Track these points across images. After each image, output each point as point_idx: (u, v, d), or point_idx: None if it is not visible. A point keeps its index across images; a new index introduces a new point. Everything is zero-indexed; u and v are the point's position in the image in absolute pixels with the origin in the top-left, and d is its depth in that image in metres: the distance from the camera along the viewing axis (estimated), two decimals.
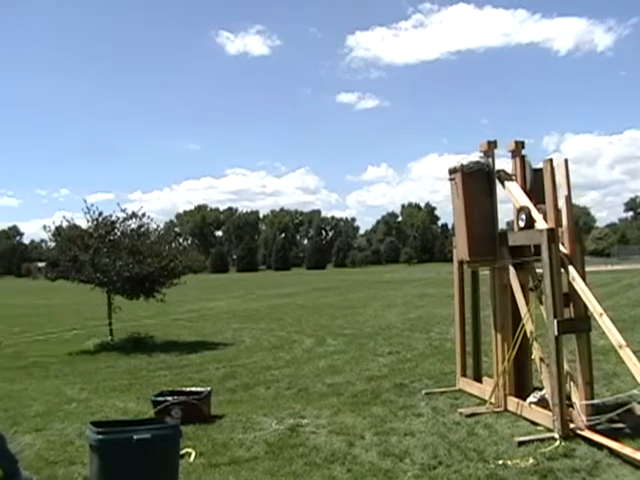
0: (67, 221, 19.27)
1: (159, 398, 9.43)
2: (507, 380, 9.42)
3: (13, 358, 16.67)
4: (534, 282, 9.10)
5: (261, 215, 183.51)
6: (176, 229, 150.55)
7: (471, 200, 9.52)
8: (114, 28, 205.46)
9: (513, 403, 9.21)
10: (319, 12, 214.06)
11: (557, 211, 8.44)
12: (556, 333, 7.99)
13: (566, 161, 8.55)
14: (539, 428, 8.36)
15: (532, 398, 8.78)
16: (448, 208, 10.51)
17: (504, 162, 9.96)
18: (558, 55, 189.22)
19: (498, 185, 9.68)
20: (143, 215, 18.72)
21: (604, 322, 7.76)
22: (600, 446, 7.44)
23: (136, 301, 18.83)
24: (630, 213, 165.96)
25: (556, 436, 7.83)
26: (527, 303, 9.02)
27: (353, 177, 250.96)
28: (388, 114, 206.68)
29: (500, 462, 7.16)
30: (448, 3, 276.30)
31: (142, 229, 18.63)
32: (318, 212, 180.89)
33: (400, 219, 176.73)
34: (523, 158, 9.69)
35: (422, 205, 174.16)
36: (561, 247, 8.45)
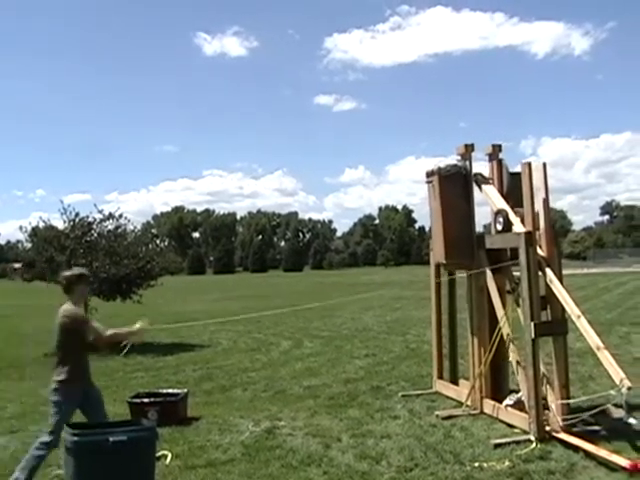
0: (43, 222, 19.19)
1: (135, 400, 9.40)
2: (483, 383, 9.46)
3: None
4: (511, 285, 9.14)
5: (238, 217, 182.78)
6: (153, 230, 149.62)
7: (448, 203, 9.55)
8: (89, 30, 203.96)
9: (489, 405, 9.24)
10: (297, 14, 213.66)
11: (534, 214, 8.48)
12: (533, 336, 8.03)
13: (544, 165, 8.61)
14: (515, 430, 8.40)
15: (508, 400, 8.81)
16: (425, 211, 10.56)
17: (481, 165, 10.01)
18: (535, 59, 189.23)
19: (475, 188, 9.72)
20: (120, 216, 18.68)
21: (582, 324, 7.81)
22: (576, 448, 7.49)
23: (112, 302, 18.74)
24: (606, 217, 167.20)
25: (532, 438, 7.87)
26: (504, 306, 9.05)
27: (330, 179, 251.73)
28: (365, 116, 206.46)
29: (476, 464, 7.20)
30: (426, 6, 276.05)
31: (119, 230, 18.57)
32: (295, 214, 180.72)
33: (377, 221, 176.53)
34: (500, 162, 9.74)
35: (399, 208, 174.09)
36: (538, 250, 8.49)
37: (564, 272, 8.95)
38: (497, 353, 9.18)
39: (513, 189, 9.27)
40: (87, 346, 7.04)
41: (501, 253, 9.35)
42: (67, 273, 7.40)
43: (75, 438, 5.85)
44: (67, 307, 7.00)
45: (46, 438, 6.72)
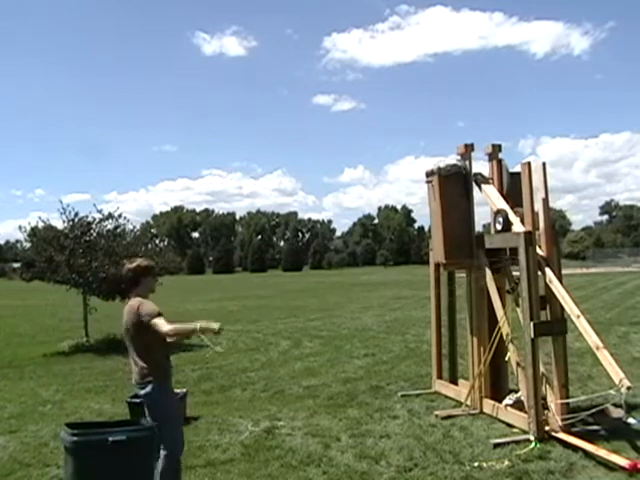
0: (43, 222, 19.20)
1: (135, 400, 9.38)
2: (483, 382, 9.46)
3: None
4: (511, 284, 9.14)
5: (237, 217, 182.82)
6: (152, 230, 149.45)
7: (448, 203, 9.54)
8: (88, 29, 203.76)
9: (489, 405, 9.25)
10: (295, 13, 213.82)
11: (534, 214, 8.48)
12: (532, 336, 8.03)
13: (544, 164, 8.60)
14: (514, 430, 8.41)
15: (508, 400, 8.82)
16: (424, 210, 10.59)
17: (481, 165, 10.01)
18: (535, 58, 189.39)
19: (475, 188, 9.72)
20: (119, 216, 18.66)
21: (581, 324, 7.81)
22: (575, 448, 7.50)
23: (112, 302, 18.70)
24: (605, 216, 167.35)
25: (531, 438, 7.88)
26: (503, 305, 9.06)
27: (330, 179, 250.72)
28: (364, 116, 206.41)
29: (475, 464, 7.20)
30: (425, 5, 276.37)
31: (118, 230, 18.54)
32: (295, 214, 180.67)
33: (376, 221, 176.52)
34: (500, 161, 9.74)
35: (398, 207, 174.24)
36: (538, 250, 8.49)
37: (563, 272, 8.96)
38: (496, 353, 9.18)
39: (513, 189, 9.27)
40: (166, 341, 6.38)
41: (500, 253, 9.36)
42: (132, 264, 6.50)
43: (74, 438, 5.84)
44: (139, 301, 6.30)
45: (171, 448, 6.36)
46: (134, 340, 6.32)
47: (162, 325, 6.14)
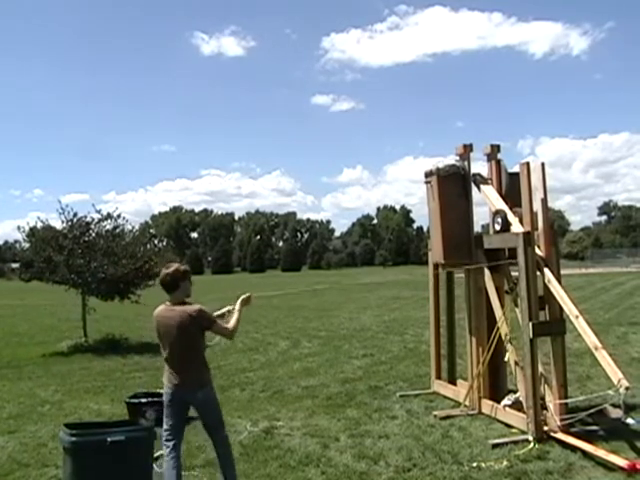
0: (41, 222, 19.15)
1: (133, 400, 9.39)
2: (482, 383, 9.45)
3: None
4: (509, 285, 9.14)
5: (236, 217, 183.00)
6: (151, 230, 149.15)
7: (447, 203, 9.54)
8: (86, 30, 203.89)
9: (487, 406, 9.24)
10: (294, 13, 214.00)
11: (533, 214, 8.48)
12: (531, 336, 8.03)
13: (542, 165, 8.60)
14: (513, 430, 8.41)
15: (506, 401, 8.82)
16: (423, 211, 10.64)
17: (480, 165, 10.01)
18: (534, 58, 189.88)
19: (474, 188, 9.72)
20: (118, 216, 18.63)
21: (580, 324, 7.81)
22: (574, 448, 7.50)
23: (111, 302, 18.70)
24: (604, 217, 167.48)
25: (530, 438, 7.88)
26: (502, 306, 9.05)
27: (328, 179, 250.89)
28: (363, 116, 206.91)
29: (474, 464, 7.20)
30: (424, 5, 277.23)
31: (117, 230, 18.52)
32: (293, 214, 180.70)
33: (375, 221, 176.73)
34: (499, 162, 9.74)
35: (397, 208, 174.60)
36: (537, 250, 8.49)
37: (562, 272, 8.95)
38: (495, 353, 9.18)
39: (512, 189, 9.27)
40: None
41: (499, 253, 9.35)
42: (170, 269, 6.36)
43: (73, 438, 5.84)
44: (193, 306, 6.26)
45: (226, 433, 6.54)
46: (192, 344, 6.26)
47: (227, 325, 6.48)
